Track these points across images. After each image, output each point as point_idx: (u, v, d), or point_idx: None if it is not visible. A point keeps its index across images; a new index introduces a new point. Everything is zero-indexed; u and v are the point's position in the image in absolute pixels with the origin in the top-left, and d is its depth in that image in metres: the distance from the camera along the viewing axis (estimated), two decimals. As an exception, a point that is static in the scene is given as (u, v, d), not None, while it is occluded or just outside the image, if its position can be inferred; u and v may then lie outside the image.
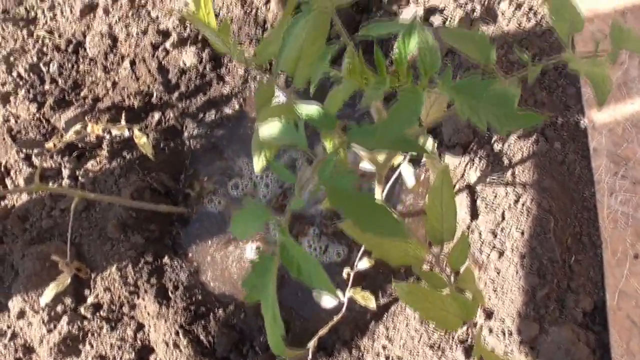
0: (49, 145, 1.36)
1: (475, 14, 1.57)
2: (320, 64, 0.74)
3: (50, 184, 1.64)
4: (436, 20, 1.53)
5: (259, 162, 0.86)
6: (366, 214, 0.55)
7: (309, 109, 0.64)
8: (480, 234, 1.28)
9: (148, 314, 1.41)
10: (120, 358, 1.39)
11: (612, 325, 1.20)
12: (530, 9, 1.58)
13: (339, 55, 0.84)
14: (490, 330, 1.19)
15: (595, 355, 1.15)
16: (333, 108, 0.81)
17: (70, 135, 1.36)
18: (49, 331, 1.43)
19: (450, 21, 1.53)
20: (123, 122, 1.41)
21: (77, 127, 1.39)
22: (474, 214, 1.30)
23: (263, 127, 0.68)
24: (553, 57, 0.69)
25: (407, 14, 1.55)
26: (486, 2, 1.58)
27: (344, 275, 1.28)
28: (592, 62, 0.63)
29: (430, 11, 1.56)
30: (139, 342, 1.41)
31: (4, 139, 1.84)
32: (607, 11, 1.54)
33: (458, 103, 0.56)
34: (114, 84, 1.81)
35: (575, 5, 0.68)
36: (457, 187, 1.34)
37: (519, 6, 1.58)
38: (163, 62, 1.76)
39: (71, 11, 1.96)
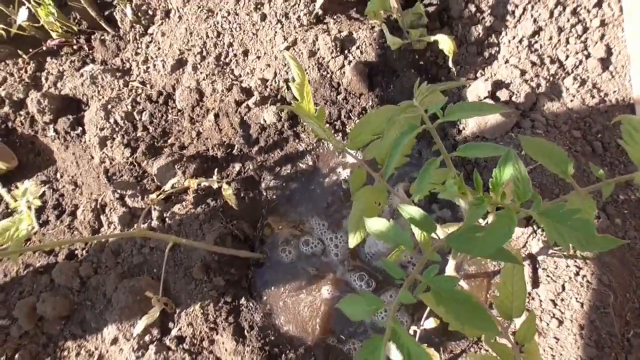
0: (152, 197, 1.54)
1: (540, 89, 1.67)
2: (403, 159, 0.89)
3: (141, 223, 1.83)
4: (502, 95, 1.65)
5: (354, 239, 0.99)
6: (466, 312, 0.66)
7: (412, 211, 0.77)
8: (540, 302, 1.37)
9: (226, 350, 1.55)
10: (199, 390, 1.54)
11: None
12: (594, 85, 1.68)
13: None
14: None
15: None
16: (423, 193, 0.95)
17: (169, 189, 1.53)
18: (138, 358, 1.59)
19: (516, 96, 1.65)
20: (215, 176, 1.58)
21: (174, 180, 1.57)
22: (535, 282, 1.39)
23: (371, 221, 0.82)
24: (625, 176, 0.80)
25: (475, 87, 1.67)
26: (551, 78, 1.69)
27: (411, 332, 1.38)
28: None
29: (497, 85, 1.68)
30: (216, 377, 1.55)
31: (99, 178, 2.06)
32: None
33: (546, 226, 0.68)
34: (199, 134, 2.01)
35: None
36: (518, 252, 1.43)
37: (583, 82, 1.68)
38: (245, 118, 1.94)
39: (163, 66, 2.19)
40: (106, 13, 2.50)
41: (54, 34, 2.51)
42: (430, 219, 0.77)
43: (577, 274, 1.35)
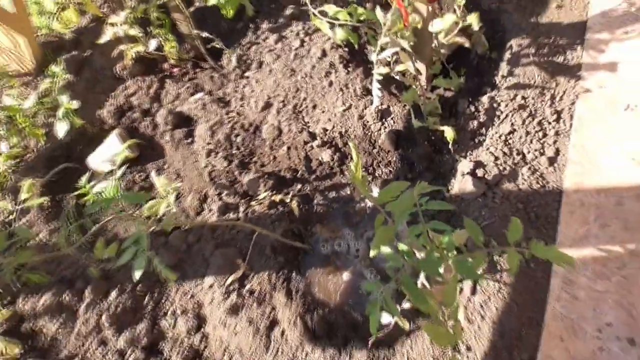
0: (253, 203, 2.48)
1: (505, 172, 2.58)
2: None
3: (232, 214, 2.78)
4: (479, 172, 2.56)
5: (373, 253, 1.91)
6: (419, 299, 1.59)
7: (403, 248, 1.69)
8: (474, 304, 2.29)
9: (279, 302, 2.49)
10: (259, 323, 2.49)
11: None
12: (541, 175, 2.58)
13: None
14: (467, 357, 2.20)
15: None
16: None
17: (261, 198, 2.47)
18: (224, 298, 2.54)
19: (487, 174, 2.55)
20: (286, 193, 2.52)
21: (265, 194, 2.50)
22: (473, 292, 2.31)
23: (382, 248, 1.74)
24: (526, 247, 1.70)
25: (463, 164, 2.58)
26: (514, 166, 2.59)
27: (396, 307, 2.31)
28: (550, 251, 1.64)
29: (477, 165, 2.59)
30: (271, 317, 2.49)
31: (202, 176, 3.01)
32: (590, 187, 2.51)
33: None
34: (275, 158, 2.94)
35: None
36: (467, 275, 2.35)
37: (534, 172, 2.58)
38: (308, 154, 2.87)
39: (255, 105, 3.12)
40: (209, 46, 3.41)
41: (171, 61, 3.46)
42: (435, 260, 1.69)
43: (499, 291, 2.27)
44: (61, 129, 3.15)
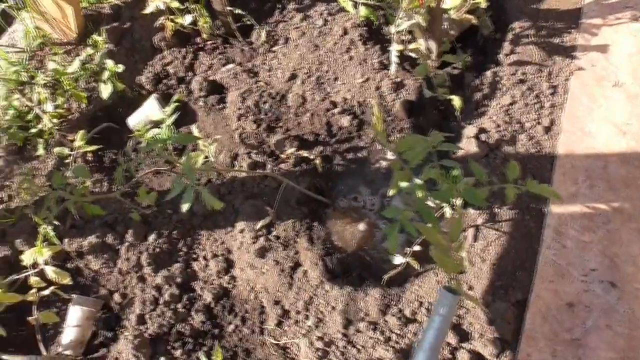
0: (283, 157, 2.79)
1: (505, 137, 2.90)
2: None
3: (260, 170, 3.09)
4: (482, 137, 2.88)
5: (392, 191, 2.22)
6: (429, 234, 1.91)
7: (419, 182, 2.01)
8: (475, 249, 2.61)
9: (302, 247, 2.82)
10: (284, 264, 2.81)
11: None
12: (537, 142, 2.90)
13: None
14: (466, 283, 2.52)
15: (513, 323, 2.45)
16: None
17: (286, 155, 2.79)
18: (253, 241, 2.86)
19: (489, 139, 2.87)
20: (314, 153, 2.84)
21: (291, 150, 2.82)
22: (475, 239, 2.63)
23: (401, 184, 2.05)
24: (523, 184, 2.01)
25: (468, 129, 2.90)
26: (513, 132, 2.91)
27: (407, 250, 2.63)
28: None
29: (480, 130, 2.91)
30: (295, 260, 2.82)
31: (232, 138, 3.33)
32: (580, 153, 2.84)
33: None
34: (299, 123, 3.26)
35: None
36: (470, 224, 2.68)
37: (531, 138, 2.91)
38: (330, 120, 3.19)
39: (282, 76, 3.43)
40: (238, 24, 3.72)
41: (204, 35, 3.78)
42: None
43: (497, 238, 2.59)
44: (105, 90, 3.47)
